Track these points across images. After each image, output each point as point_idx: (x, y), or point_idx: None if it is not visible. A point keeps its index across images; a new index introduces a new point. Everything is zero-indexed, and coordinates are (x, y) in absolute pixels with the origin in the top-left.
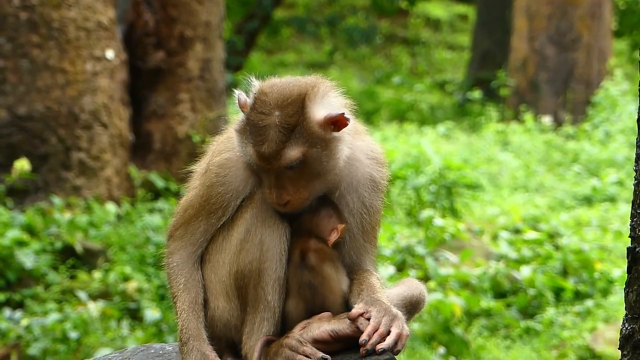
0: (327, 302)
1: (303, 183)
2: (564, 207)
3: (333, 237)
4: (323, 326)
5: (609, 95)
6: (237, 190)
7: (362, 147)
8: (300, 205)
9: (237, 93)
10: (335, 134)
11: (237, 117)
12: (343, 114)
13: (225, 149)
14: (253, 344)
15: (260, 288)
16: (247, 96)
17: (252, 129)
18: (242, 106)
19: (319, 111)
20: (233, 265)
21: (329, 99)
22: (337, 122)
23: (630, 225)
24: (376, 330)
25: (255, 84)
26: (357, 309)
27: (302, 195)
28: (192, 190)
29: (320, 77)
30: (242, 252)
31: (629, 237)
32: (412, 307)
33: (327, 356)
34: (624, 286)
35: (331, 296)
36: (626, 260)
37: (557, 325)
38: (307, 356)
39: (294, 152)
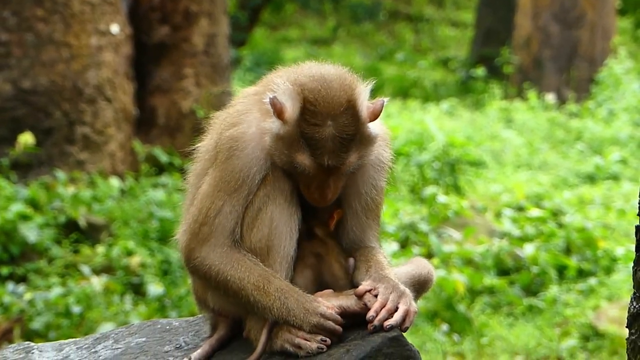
0: (333, 269)
1: (344, 178)
2: (567, 185)
3: (332, 222)
4: (331, 301)
5: (613, 73)
6: (258, 163)
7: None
8: (335, 198)
9: (271, 97)
10: (373, 125)
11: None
12: (383, 103)
13: (237, 121)
14: (257, 322)
15: (268, 265)
16: (279, 100)
17: (306, 141)
18: (279, 113)
19: (365, 112)
20: (243, 242)
21: (366, 94)
22: (377, 113)
23: (639, 203)
24: (384, 307)
25: (288, 88)
26: (364, 285)
27: (340, 189)
28: (204, 177)
29: (346, 70)
30: (253, 229)
31: (637, 215)
32: (420, 286)
33: (327, 339)
34: (632, 264)
35: (336, 264)
36: (631, 238)
37: (560, 303)
38: (306, 339)
39: (353, 159)
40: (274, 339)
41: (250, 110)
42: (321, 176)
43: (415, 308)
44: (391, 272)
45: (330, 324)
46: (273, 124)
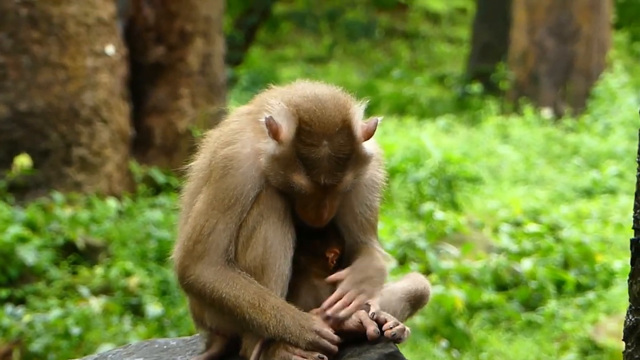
0: (329, 288)
1: (340, 197)
2: (564, 200)
3: (331, 262)
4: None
5: (609, 88)
6: (252, 182)
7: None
8: (330, 218)
9: (267, 118)
10: (367, 144)
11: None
12: (377, 122)
13: (232, 140)
14: (253, 340)
15: (263, 284)
16: (275, 120)
17: (302, 161)
18: (275, 133)
19: (360, 132)
20: (238, 261)
21: (360, 113)
22: (371, 132)
23: (633, 216)
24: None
25: (284, 109)
26: (337, 274)
27: (335, 209)
28: (198, 195)
29: (340, 90)
30: (247, 248)
31: (633, 228)
32: (416, 302)
33: (324, 356)
34: (628, 278)
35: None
36: (629, 252)
37: (558, 317)
38: (303, 357)
39: (349, 177)
40: (271, 356)
41: (244, 130)
42: (318, 195)
43: (368, 301)
44: (377, 264)
45: (325, 342)
46: (268, 145)
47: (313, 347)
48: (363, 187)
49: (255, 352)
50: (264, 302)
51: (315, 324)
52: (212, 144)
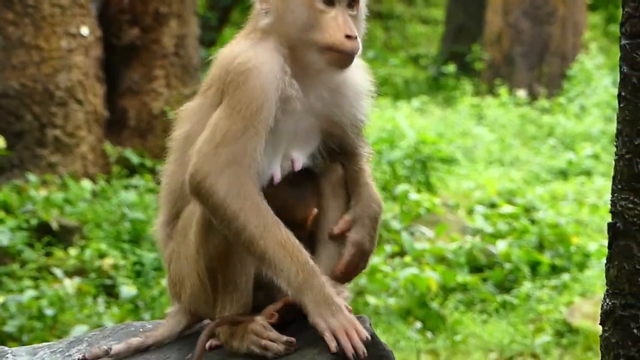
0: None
1: (357, 17)
2: (539, 181)
3: (308, 222)
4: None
5: (584, 69)
6: (278, 84)
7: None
8: (359, 50)
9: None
10: None
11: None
12: None
13: (242, 52)
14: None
15: (228, 270)
16: None
17: None
18: None
19: None
20: (201, 246)
21: None
22: None
23: (610, 200)
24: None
25: None
26: (340, 225)
27: (359, 37)
28: (209, 106)
29: None
30: (210, 234)
31: (610, 212)
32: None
33: (292, 339)
34: (605, 261)
35: None
36: (604, 234)
37: (533, 299)
38: (272, 340)
39: None
40: (240, 340)
41: (256, 42)
42: (340, 1)
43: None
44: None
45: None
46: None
47: (326, 324)
48: (352, 94)
49: (202, 338)
50: (297, 252)
51: (342, 306)
52: (215, 68)
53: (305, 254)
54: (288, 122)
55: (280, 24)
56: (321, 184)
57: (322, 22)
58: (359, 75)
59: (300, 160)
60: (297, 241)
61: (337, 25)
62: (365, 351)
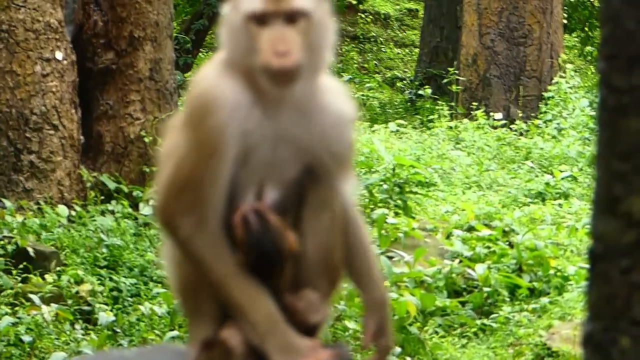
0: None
1: (299, 45)
2: (517, 204)
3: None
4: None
5: (561, 91)
6: (239, 118)
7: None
8: (296, 65)
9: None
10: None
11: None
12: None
13: (206, 80)
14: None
15: (199, 298)
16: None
17: None
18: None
19: None
20: (175, 271)
21: None
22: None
23: (590, 223)
24: None
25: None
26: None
27: (299, 52)
28: (181, 142)
29: None
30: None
31: (590, 235)
32: None
33: None
34: (586, 286)
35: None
36: (582, 257)
37: (512, 323)
38: None
39: (304, 2)
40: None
41: (217, 70)
42: (268, 13)
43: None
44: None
45: None
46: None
47: None
48: (329, 119)
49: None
50: (260, 300)
51: (307, 349)
52: (186, 98)
53: (269, 302)
54: (259, 152)
55: (231, 52)
56: (302, 209)
57: (258, 44)
58: (337, 99)
59: (271, 194)
60: (260, 288)
61: (267, 44)
62: None
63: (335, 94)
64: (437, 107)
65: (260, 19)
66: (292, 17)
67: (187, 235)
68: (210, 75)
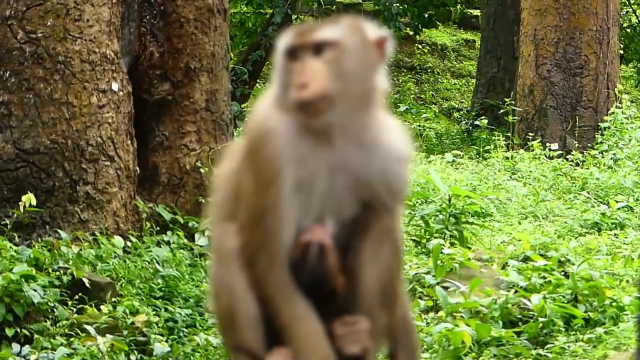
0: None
1: (323, 75)
2: (573, 234)
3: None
4: None
5: (617, 121)
6: (291, 146)
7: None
8: (316, 95)
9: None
10: (379, 55)
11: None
12: (387, 36)
13: (260, 114)
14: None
15: (238, 331)
16: None
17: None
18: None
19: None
20: (215, 311)
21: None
22: (382, 45)
23: None
24: None
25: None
26: None
27: (321, 82)
28: (244, 178)
29: None
30: (217, 297)
31: None
32: None
33: None
34: (637, 315)
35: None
36: (638, 287)
37: (568, 353)
38: None
39: (329, 33)
40: None
41: (268, 105)
42: (296, 46)
43: None
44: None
45: None
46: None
47: None
48: (385, 153)
49: None
50: (321, 346)
51: None
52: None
53: (328, 349)
54: (317, 182)
55: (276, 87)
56: (360, 240)
57: (292, 79)
58: (396, 136)
59: (330, 226)
60: (323, 333)
61: (295, 77)
62: None
63: (394, 130)
64: (493, 138)
65: (292, 54)
66: (318, 49)
67: (261, 274)
68: (263, 109)
